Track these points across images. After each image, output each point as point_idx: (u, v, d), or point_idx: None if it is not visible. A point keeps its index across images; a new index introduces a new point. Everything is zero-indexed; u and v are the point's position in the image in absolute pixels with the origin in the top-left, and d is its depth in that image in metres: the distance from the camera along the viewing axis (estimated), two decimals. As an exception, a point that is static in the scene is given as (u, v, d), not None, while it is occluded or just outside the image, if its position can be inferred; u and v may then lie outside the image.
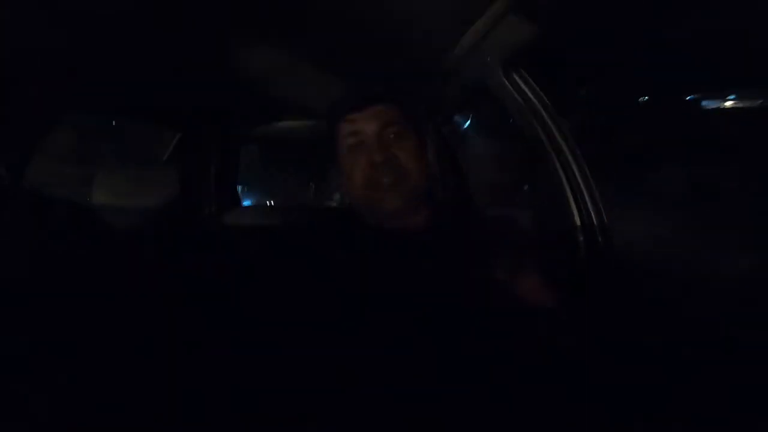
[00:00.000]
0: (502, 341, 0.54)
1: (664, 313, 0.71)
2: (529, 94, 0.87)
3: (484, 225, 0.77)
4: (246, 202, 1.91)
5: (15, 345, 0.58)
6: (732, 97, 3.43)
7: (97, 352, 0.59)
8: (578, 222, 0.82)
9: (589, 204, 0.82)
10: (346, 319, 0.57)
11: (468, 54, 0.91)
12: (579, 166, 0.83)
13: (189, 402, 0.51)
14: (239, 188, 1.84)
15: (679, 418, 0.47)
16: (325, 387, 0.50)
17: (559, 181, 0.84)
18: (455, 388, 0.49)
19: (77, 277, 0.76)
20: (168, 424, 0.49)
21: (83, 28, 0.78)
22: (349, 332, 0.55)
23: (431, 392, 0.48)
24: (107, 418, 0.49)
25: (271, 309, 0.60)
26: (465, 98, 1.27)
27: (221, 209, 1.57)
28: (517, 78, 0.88)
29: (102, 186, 1.04)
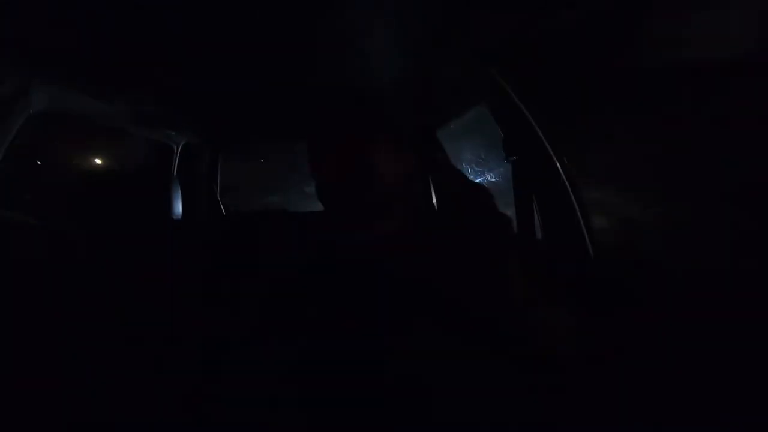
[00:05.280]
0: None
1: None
2: (512, 93, 0.86)
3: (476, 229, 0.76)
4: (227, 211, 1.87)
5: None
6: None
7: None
8: (565, 221, 0.82)
9: (575, 204, 0.82)
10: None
11: (449, 54, 0.88)
12: (563, 166, 0.83)
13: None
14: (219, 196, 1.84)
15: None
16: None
17: (545, 182, 0.84)
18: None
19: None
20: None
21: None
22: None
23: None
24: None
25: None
26: (450, 101, 1.25)
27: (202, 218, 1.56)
28: (498, 77, 0.86)
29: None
